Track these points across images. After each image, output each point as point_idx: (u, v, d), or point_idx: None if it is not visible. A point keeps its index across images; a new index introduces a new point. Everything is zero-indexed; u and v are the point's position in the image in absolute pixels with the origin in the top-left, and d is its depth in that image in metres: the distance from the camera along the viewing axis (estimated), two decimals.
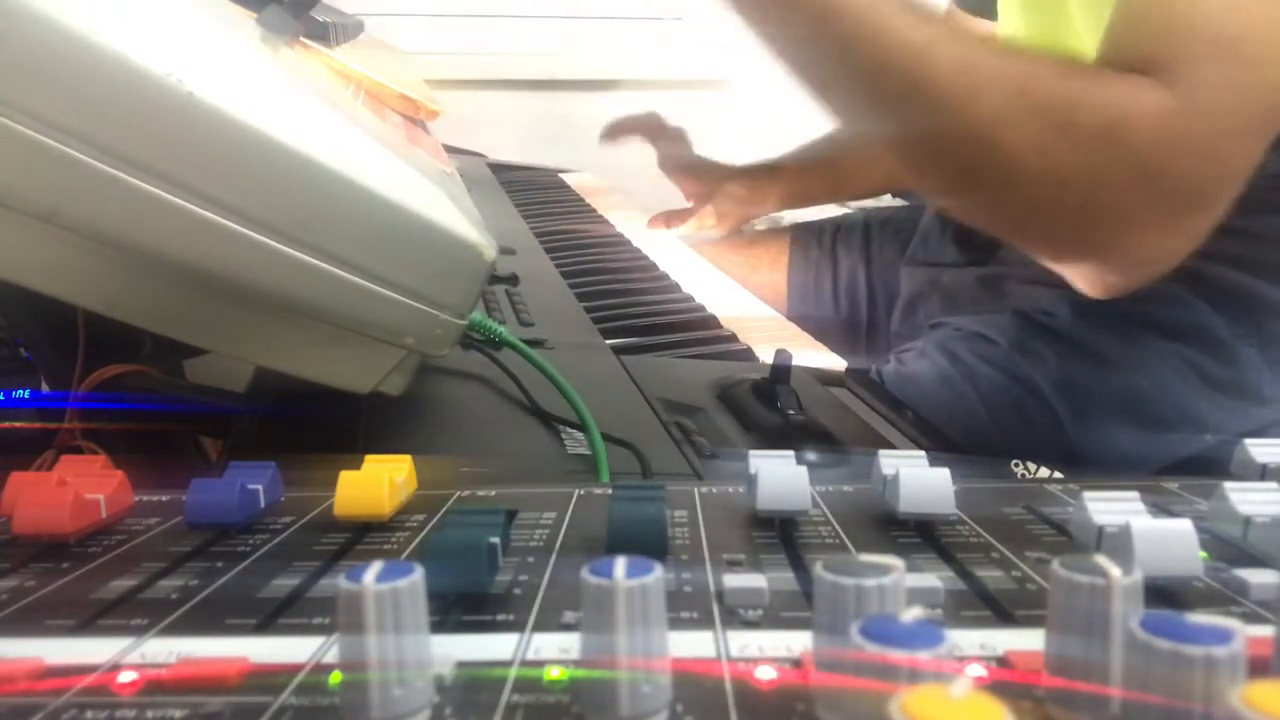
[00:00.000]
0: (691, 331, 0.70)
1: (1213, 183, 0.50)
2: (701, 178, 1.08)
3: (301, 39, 0.56)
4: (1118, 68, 0.51)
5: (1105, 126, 0.48)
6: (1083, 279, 0.56)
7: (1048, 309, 0.70)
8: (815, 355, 0.68)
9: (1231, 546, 0.26)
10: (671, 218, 1.09)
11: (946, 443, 0.54)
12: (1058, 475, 0.43)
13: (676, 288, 0.83)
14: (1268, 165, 0.64)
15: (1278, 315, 0.68)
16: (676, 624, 0.21)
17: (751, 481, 0.28)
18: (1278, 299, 0.67)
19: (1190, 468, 0.64)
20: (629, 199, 1.26)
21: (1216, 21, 0.48)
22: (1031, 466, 0.51)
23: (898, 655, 0.15)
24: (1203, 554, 0.23)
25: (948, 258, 0.85)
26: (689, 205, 1.09)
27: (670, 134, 1.13)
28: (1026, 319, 0.71)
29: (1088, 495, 0.26)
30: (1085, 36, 0.69)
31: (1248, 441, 0.31)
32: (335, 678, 0.19)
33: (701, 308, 0.76)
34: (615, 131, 1.13)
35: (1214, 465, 0.33)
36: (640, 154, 1.15)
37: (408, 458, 0.31)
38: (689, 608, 0.22)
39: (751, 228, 1.11)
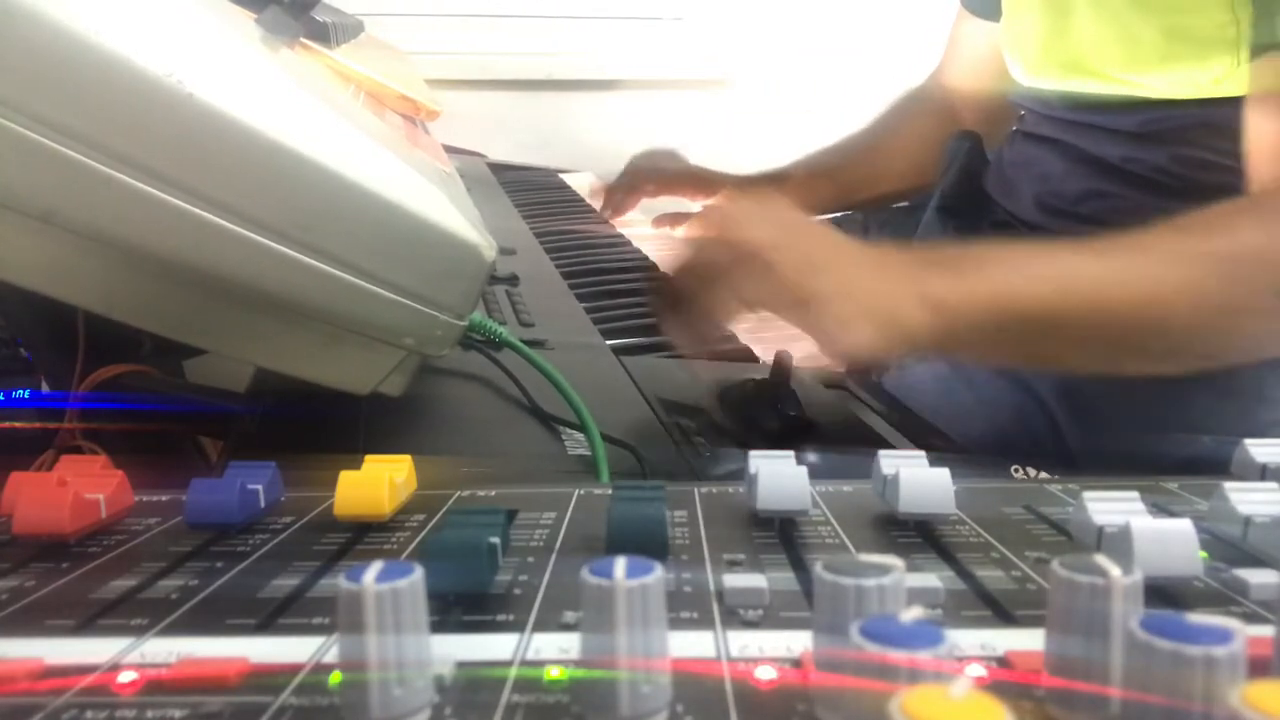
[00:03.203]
0: None
1: None
2: (707, 186, 1.08)
3: (301, 39, 0.56)
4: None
5: None
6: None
7: None
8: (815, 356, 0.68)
9: (1231, 546, 0.26)
10: (677, 219, 1.09)
11: (946, 443, 0.54)
12: (1055, 477, 0.43)
13: None
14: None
15: None
16: (676, 624, 0.21)
17: (751, 481, 0.28)
18: None
19: (1190, 468, 0.64)
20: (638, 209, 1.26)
21: None
22: (1031, 470, 0.51)
23: (898, 655, 0.15)
24: (1203, 554, 0.23)
25: None
26: (696, 208, 1.09)
27: (661, 161, 1.12)
28: None
29: (1088, 495, 0.26)
30: (1091, 35, 0.68)
31: (1248, 442, 0.31)
32: (335, 678, 0.19)
33: None
34: (617, 207, 1.11)
35: (1214, 465, 0.32)
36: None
37: (408, 458, 0.31)
38: (689, 608, 0.22)
39: None
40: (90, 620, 0.22)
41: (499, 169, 1.41)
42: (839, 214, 1.05)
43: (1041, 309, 0.49)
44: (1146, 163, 0.67)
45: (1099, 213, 0.71)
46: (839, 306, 0.46)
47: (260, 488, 0.29)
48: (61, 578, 0.25)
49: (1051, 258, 0.51)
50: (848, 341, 0.47)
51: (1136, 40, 0.64)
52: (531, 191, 1.28)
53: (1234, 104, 0.62)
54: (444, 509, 0.30)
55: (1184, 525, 0.23)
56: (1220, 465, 0.32)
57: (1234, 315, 0.50)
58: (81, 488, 0.28)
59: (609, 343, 0.64)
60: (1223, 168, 0.64)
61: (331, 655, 0.20)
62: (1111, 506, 0.26)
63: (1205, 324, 0.50)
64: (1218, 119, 0.64)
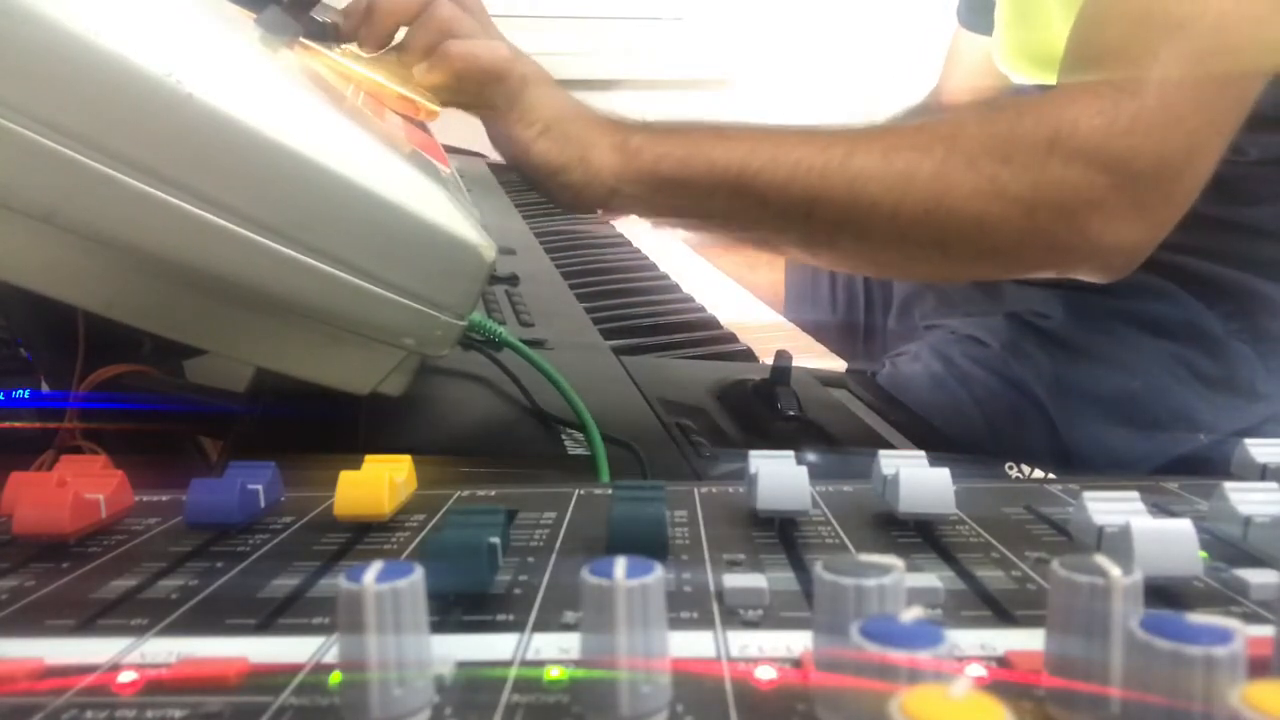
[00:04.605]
0: (691, 332, 0.70)
1: (1173, 169, 0.50)
2: None
3: (301, 39, 0.56)
4: (1081, 63, 0.52)
5: (1049, 140, 0.49)
6: (1087, 275, 0.57)
7: (1041, 310, 0.70)
8: (815, 356, 0.68)
9: (1231, 546, 0.26)
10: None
11: (946, 444, 0.54)
12: (1052, 476, 0.43)
13: (676, 288, 0.83)
14: (1252, 155, 0.64)
15: (1271, 310, 0.68)
16: (676, 624, 0.21)
17: (751, 481, 0.28)
18: (1271, 294, 0.67)
19: (1188, 467, 0.64)
20: None
21: (1172, 11, 0.49)
22: (1026, 469, 0.51)
23: (898, 655, 0.15)
24: (1203, 554, 0.23)
25: None
26: None
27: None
28: (1019, 321, 0.71)
29: (1088, 495, 0.26)
30: (1060, 32, 0.69)
31: (1247, 441, 0.31)
32: (335, 678, 0.19)
33: (701, 308, 0.76)
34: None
35: (1213, 465, 0.33)
36: None
37: (408, 458, 0.31)
38: (689, 608, 0.22)
39: None
40: (90, 620, 0.22)
41: (499, 169, 1.41)
42: None
43: (734, 179, 0.51)
44: None
45: None
46: (545, 117, 0.52)
47: (260, 488, 0.29)
48: (61, 578, 0.25)
49: (764, 135, 0.52)
50: (535, 150, 0.53)
51: None
52: (531, 191, 1.28)
53: None
54: (444, 509, 0.30)
55: (1184, 525, 0.23)
56: (1219, 465, 0.32)
57: (938, 202, 0.50)
58: (81, 488, 0.28)
59: (609, 343, 0.64)
60: None
61: (331, 655, 0.20)
62: (1111, 506, 0.26)
63: (908, 213, 0.50)
64: None
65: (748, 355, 0.65)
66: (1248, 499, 0.26)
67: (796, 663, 0.20)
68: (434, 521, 0.29)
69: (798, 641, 0.21)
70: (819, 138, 0.51)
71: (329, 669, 0.19)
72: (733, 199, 0.52)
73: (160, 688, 0.19)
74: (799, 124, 0.54)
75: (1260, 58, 0.50)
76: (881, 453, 0.30)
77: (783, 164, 0.50)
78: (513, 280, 0.76)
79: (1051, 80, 0.69)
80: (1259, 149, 0.65)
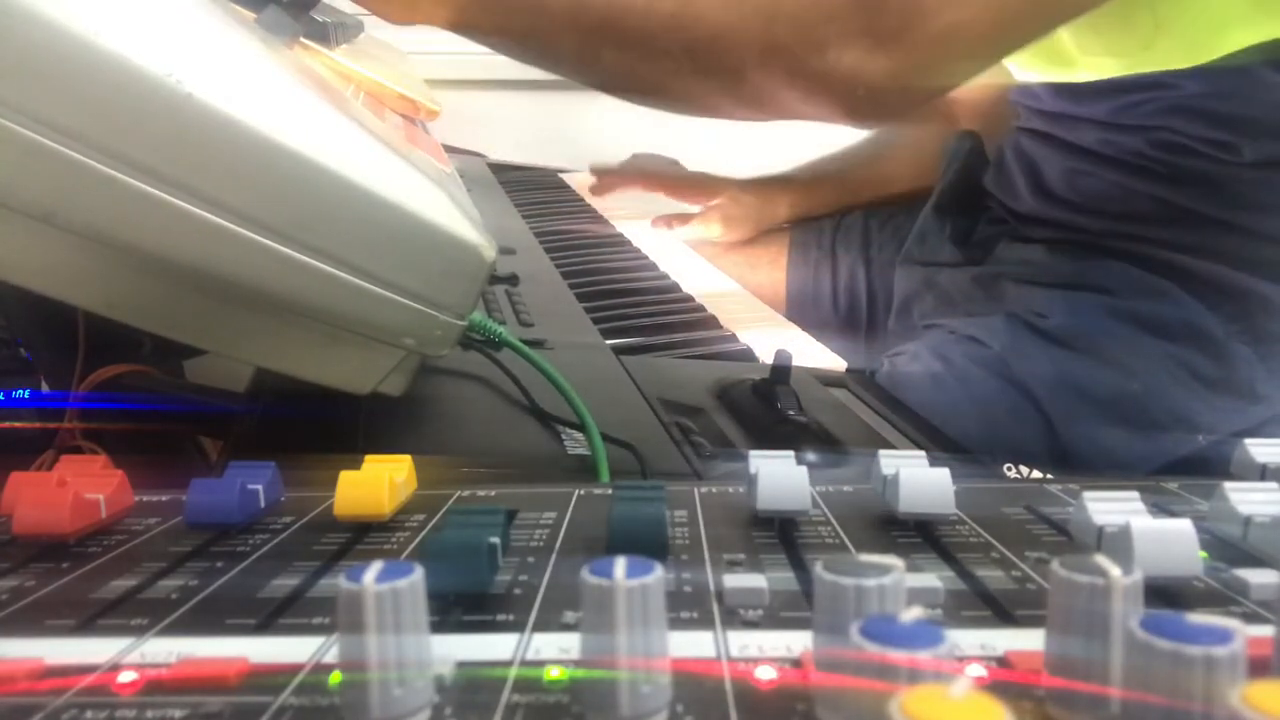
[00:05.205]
0: (691, 331, 0.70)
1: (915, 3, 0.51)
2: (710, 189, 1.08)
3: (301, 39, 0.56)
4: None
5: None
6: (829, 114, 0.58)
7: (1041, 310, 0.71)
8: (815, 355, 0.68)
9: (1231, 546, 0.26)
10: (676, 220, 1.09)
11: (946, 444, 0.54)
12: (1050, 477, 0.43)
13: (676, 288, 0.83)
14: (1247, 157, 0.65)
15: (1271, 312, 0.68)
16: (676, 624, 0.21)
17: (751, 481, 0.28)
18: (1271, 295, 0.68)
19: (1187, 468, 0.64)
20: (630, 199, 1.26)
21: None
22: (1024, 470, 0.51)
23: (898, 655, 0.15)
24: (1203, 554, 0.23)
25: (944, 257, 0.85)
26: (695, 210, 1.09)
27: (662, 163, 1.12)
28: (1018, 321, 0.71)
29: (1088, 495, 0.26)
30: (1074, 50, 0.69)
31: (1248, 442, 0.31)
32: (335, 678, 0.19)
33: (701, 308, 0.76)
34: (607, 187, 1.12)
35: (1212, 465, 0.33)
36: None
37: (408, 458, 0.31)
38: (689, 608, 0.22)
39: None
40: (90, 620, 0.22)
41: (499, 169, 1.41)
42: (839, 211, 1.05)
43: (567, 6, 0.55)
44: (1123, 146, 0.69)
45: (1087, 198, 0.72)
46: None
47: (260, 488, 0.29)
48: (61, 578, 0.25)
49: None
50: None
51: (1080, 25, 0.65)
52: (531, 191, 1.28)
53: (1202, 91, 0.63)
54: (444, 509, 0.30)
55: (1184, 525, 0.23)
56: (1219, 465, 0.32)
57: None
58: (81, 488, 0.28)
59: (609, 343, 0.64)
60: (1199, 153, 0.66)
61: (331, 655, 0.20)
62: (1111, 506, 0.26)
63: (659, 15, 0.54)
64: (1186, 105, 0.65)
65: (748, 355, 0.66)
66: (1248, 499, 0.26)
67: (796, 663, 0.20)
68: (434, 521, 0.29)
69: (798, 641, 0.21)
70: None
71: (329, 669, 0.19)
72: (535, 18, 0.57)
73: (160, 688, 0.19)
74: None
75: None
76: (881, 453, 0.30)
77: None
78: (513, 280, 0.76)
79: (1054, 75, 0.69)
80: (1253, 151, 0.65)
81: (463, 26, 0.62)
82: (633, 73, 0.61)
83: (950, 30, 0.51)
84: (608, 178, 1.10)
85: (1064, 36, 0.68)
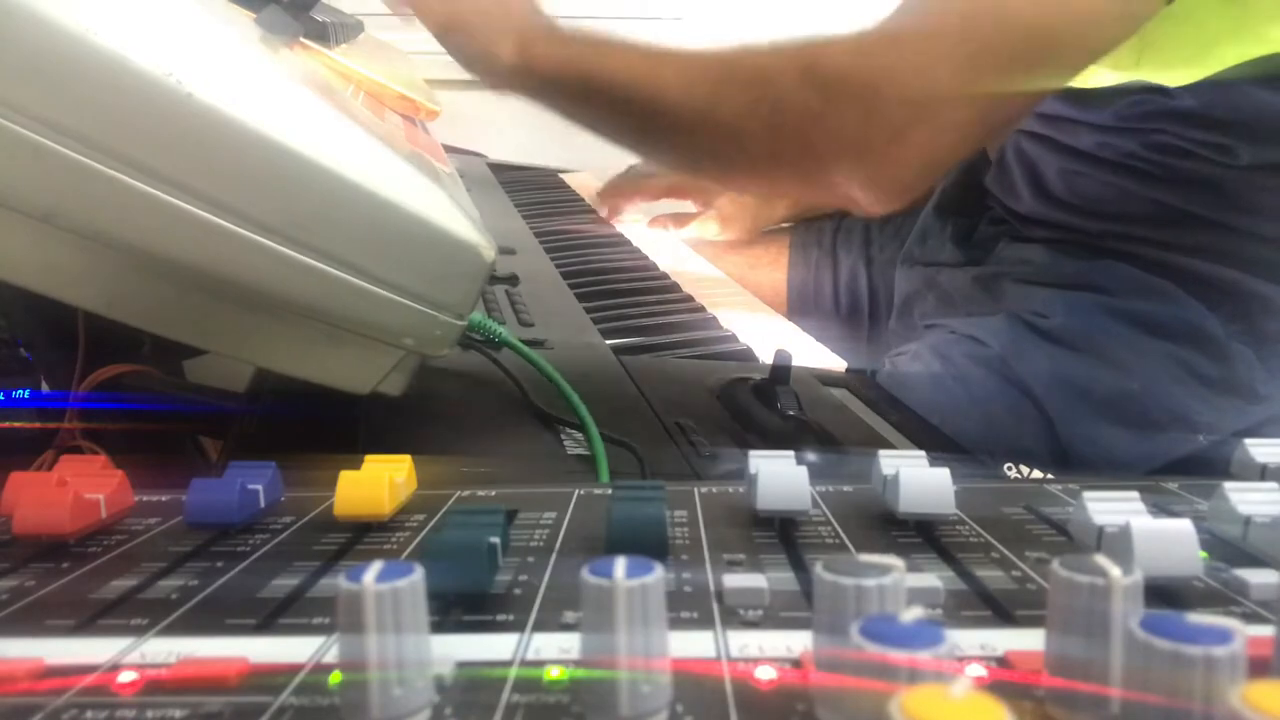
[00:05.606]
0: (691, 331, 0.70)
1: (923, 95, 0.54)
2: (709, 189, 1.08)
3: (301, 39, 0.56)
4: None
5: (803, 70, 0.55)
6: (851, 204, 0.61)
7: (1042, 310, 0.71)
8: (816, 355, 0.68)
9: (1231, 546, 0.26)
10: (675, 219, 1.09)
11: (946, 444, 0.54)
12: (1050, 477, 0.43)
13: (676, 288, 0.83)
14: (1244, 160, 0.65)
15: (1271, 312, 0.68)
16: (676, 624, 0.21)
17: (751, 481, 0.28)
18: (1271, 295, 0.68)
19: (1187, 468, 0.64)
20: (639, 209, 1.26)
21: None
22: (1024, 470, 0.51)
23: (898, 655, 0.15)
24: (1203, 554, 0.23)
25: (945, 257, 0.85)
26: (695, 210, 1.09)
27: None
28: (1019, 321, 0.71)
29: (1088, 495, 0.26)
30: None
31: (1247, 442, 0.31)
32: (335, 678, 0.19)
33: (701, 308, 0.76)
34: (616, 206, 1.12)
35: (1212, 465, 0.33)
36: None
37: (408, 458, 0.31)
38: (689, 608, 0.22)
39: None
40: (90, 620, 0.22)
41: (499, 169, 1.41)
42: (839, 213, 1.05)
43: (609, 85, 0.61)
44: (1120, 149, 0.69)
45: (1086, 199, 0.72)
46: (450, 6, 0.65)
47: (260, 488, 0.29)
48: (61, 578, 0.25)
49: (634, 47, 0.62)
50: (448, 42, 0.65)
51: None
52: (531, 191, 1.28)
53: (1194, 101, 0.64)
54: (444, 509, 0.30)
55: (1184, 525, 0.23)
56: (1218, 465, 0.32)
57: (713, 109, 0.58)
58: (81, 488, 0.28)
59: (609, 343, 0.64)
60: (1196, 155, 0.66)
61: (331, 655, 0.20)
62: (1111, 506, 0.26)
63: (694, 113, 0.59)
64: (1182, 109, 0.65)
65: (748, 354, 0.66)
66: (1248, 499, 0.26)
67: (796, 663, 0.20)
68: (434, 521, 0.29)
69: (798, 641, 0.21)
70: (675, 57, 0.60)
71: (329, 669, 0.19)
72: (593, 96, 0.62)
73: (160, 688, 0.19)
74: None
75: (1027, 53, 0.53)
76: (881, 453, 0.30)
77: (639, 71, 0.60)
78: (513, 280, 0.76)
79: None
80: (1250, 154, 0.65)
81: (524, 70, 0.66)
82: (663, 147, 0.68)
83: (929, 148, 0.55)
84: (614, 198, 1.11)
85: None
